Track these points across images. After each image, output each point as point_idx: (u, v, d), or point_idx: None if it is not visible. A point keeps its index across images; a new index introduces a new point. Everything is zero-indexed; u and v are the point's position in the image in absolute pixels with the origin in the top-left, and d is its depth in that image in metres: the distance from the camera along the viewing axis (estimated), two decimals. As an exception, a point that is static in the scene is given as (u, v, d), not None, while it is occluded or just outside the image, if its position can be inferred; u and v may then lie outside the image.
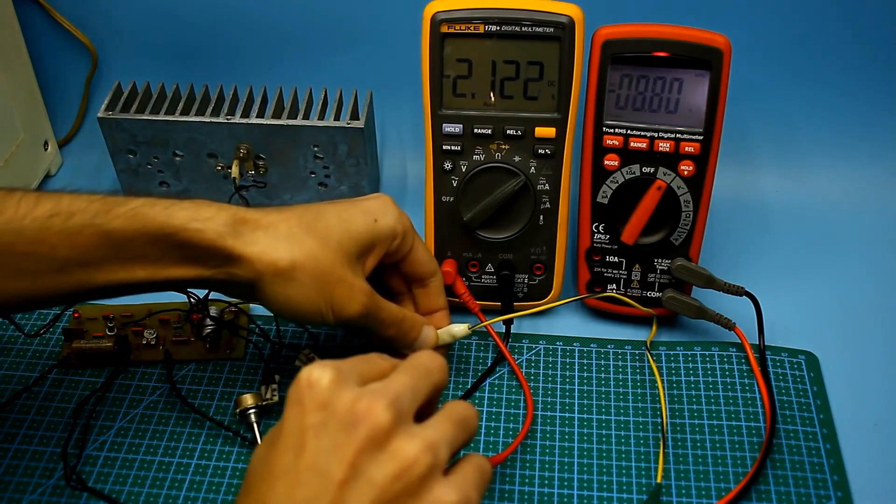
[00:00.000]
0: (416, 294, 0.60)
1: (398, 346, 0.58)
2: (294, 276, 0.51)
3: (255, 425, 0.58)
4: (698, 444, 0.57)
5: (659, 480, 0.55)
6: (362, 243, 0.54)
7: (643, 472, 0.56)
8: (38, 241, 0.48)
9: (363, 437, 0.38)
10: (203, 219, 0.50)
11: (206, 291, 0.63)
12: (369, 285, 0.54)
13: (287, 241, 0.51)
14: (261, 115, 0.72)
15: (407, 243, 0.57)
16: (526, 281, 0.66)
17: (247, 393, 0.59)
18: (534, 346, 0.64)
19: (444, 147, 0.62)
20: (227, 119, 0.71)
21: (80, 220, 0.49)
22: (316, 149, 0.72)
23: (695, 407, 0.59)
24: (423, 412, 0.42)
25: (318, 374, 0.39)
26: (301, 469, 0.38)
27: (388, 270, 0.59)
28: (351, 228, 0.54)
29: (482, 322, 0.61)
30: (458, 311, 0.63)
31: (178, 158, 0.74)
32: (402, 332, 0.57)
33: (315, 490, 0.37)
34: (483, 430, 0.59)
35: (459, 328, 0.59)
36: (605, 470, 0.56)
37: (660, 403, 0.59)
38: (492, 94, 0.60)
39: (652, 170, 0.60)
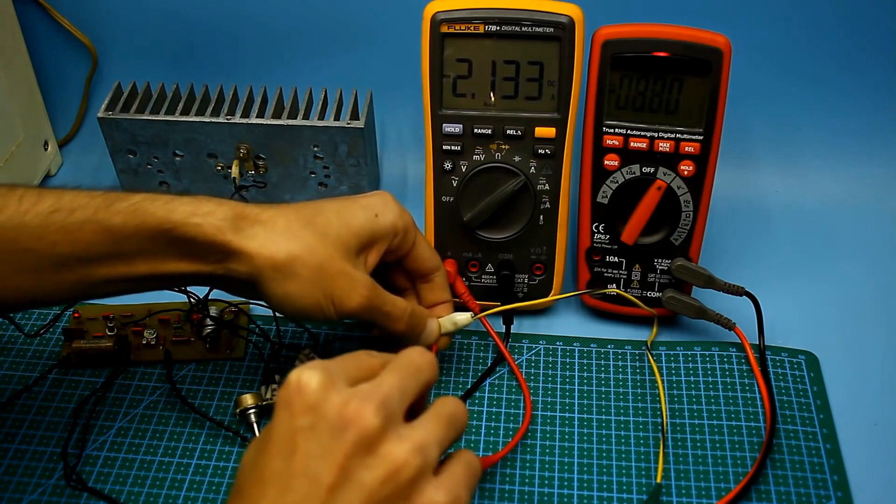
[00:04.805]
0: (421, 289, 0.60)
1: (407, 341, 0.57)
2: (293, 271, 0.51)
3: (255, 425, 0.58)
4: (698, 444, 0.57)
5: (659, 480, 0.55)
6: (362, 238, 0.54)
7: (643, 472, 0.56)
8: (40, 237, 0.48)
9: (352, 440, 0.38)
10: (202, 213, 0.50)
11: (207, 291, 0.63)
12: (371, 279, 0.54)
13: (285, 235, 0.51)
14: (261, 115, 0.72)
15: (409, 240, 0.57)
16: (526, 281, 0.66)
17: (247, 393, 0.59)
18: (534, 346, 0.64)
19: (444, 147, 0.62)
20: (227, 119, 0.71)
21: (82, 215, 0.49)
22: (316, 149, 0.72)
23: (695, 407, 0.59)
24: (414, 409, 0.42)
25: (307, 377, 0.39)
26: (291, 473, 0.38)
27: (392, 267, 0.59)
28: (350, 223, 0.54)
29: (486, 312, 0.61)
30: (457, 311, 0.62)
31: (178, 158, 0.74)
32: (412, 326, 0.57)
33: (304, 494, 0.37)
34: (483, 430, 0.59)
35: (462, 316, 0.59)
36: (605, 470, 0.56)
37: (660, 403, 0.59)
38: (492, 94, 0.60)
39: (652, 170, 0.60)
